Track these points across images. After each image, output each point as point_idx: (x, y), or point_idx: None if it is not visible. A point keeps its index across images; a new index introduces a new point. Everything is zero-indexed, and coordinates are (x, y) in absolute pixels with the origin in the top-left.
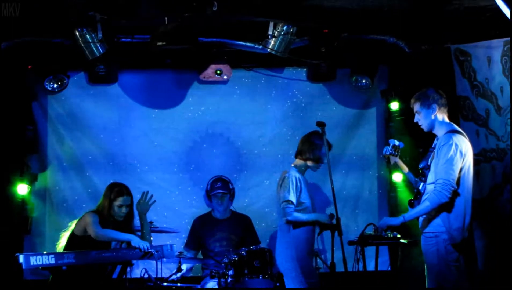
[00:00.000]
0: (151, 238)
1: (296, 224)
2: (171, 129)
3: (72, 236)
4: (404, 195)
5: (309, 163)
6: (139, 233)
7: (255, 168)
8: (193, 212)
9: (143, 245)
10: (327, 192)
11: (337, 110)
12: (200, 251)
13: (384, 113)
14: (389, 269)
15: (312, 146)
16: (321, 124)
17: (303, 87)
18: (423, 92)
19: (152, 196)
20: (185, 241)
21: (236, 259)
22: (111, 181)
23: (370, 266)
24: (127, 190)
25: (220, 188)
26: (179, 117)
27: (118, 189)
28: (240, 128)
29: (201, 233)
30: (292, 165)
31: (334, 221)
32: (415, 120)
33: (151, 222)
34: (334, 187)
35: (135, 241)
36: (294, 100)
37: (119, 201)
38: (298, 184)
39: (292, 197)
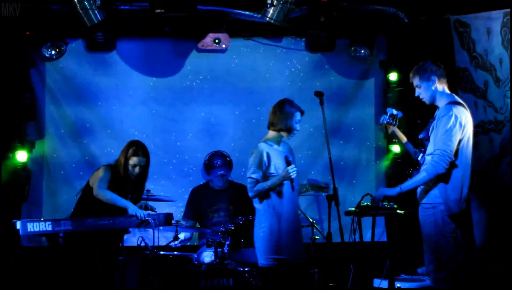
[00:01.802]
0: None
1: (261, 195)
2: (168, 98)
3: (87, 186)
4: (402, 166)
5: (282, 133)
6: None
7: (253, 136)
8: (190, 181)
9: (140, 213)
10: (324, 162)
11: (335, 80)
12: (198, 221)
13: (383, 84)
14: (386, 240)
15: (283, 116)
16: (319, 94)
17: (302, 57)
18: (420, 66)
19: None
20: (183, 211)
21: (232, 228)
22: (130, 140)
23: (367, 237)
24: (144, 151)
25: (220, 168)
26: (177, 86)
27: (134, 148)
28: (238, 97)
29: (199, 204)
30: (263, 139)
31: (331, 191)
32: (416, 94)
33: (148, 190)
34: (332, 157)
35: (132, 208)
36: (293, 69)
37: (133, 161)
38: (265, 159)
39: (253, 174)
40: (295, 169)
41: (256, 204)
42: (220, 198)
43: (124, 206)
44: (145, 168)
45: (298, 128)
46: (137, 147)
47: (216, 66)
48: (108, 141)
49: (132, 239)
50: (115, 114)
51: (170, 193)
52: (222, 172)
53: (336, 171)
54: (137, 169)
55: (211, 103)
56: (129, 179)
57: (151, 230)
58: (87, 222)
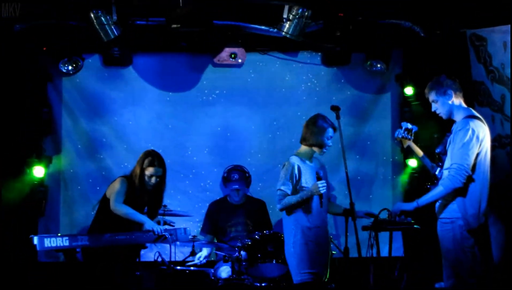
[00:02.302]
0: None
1: (288, 209)
2: (185, 112)
3: (104, 198)
4: (419, 180)
5: (314, 148)
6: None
7: (269, 151)
8: (206, 196)
9: (157, 228)
10: (341, 177)
11: (351, 94)
12: (215, 236)
13: (399, 98)
14: (403, 255)
15: (315, 131)
16: (335, 108)
17: (318, 72)
18: (436, 80)
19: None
20: (201, 226)
21: (249, 243)
22: (146, 149)
23: (384, 252)
24: (160, 161)
25: (236, 182)
26: (193, 101)
27: (150, 159)
28: (255, 111)
29: (216, 218)
30: (295, 153)
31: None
32: (432, 110)
33: (164, 205)
34: (348, 172)
35: (149, 223)
36: (309, 84)
37: (149, 171)
38: (295, 172)
39: (283, 186)
40: (325, 184)
41: (285, 219)
42: (237, 213)
43: (141, 221)
44: (161, 178)
45: (330, 144)
46: (153, 157)
47: (232, 80)
48: (125, 156)
49: (149, 254)
50: (131, 128)
51: (186, 208)
52: (237, 186)
53: (352, 186)
54: (153, 180)
55: (227, 118)
56: (145, 190)
57: (168, 245)
58: (104, 237)
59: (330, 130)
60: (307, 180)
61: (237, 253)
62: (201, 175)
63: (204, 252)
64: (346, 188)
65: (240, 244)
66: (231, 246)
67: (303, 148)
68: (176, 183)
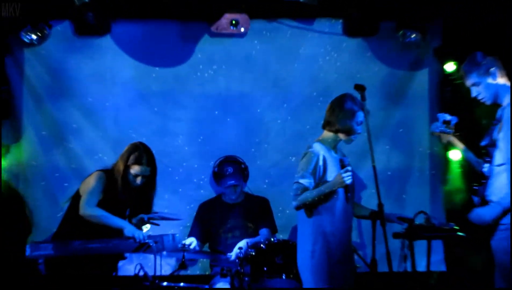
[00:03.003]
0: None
1: (307, 206)
2: (175, 92)
3: (76, 196)
4: (463, 176)
5: (340, 135)
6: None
7: (278, 141)
8: (200, 195)
9: (139, 234)
10: (367, 172)
11: (380, 71)
12: (208, 244)
13: (438, 75)
14: (444, 269)
15: (342, 114)
16: (359, 88)
17: (338, 43)
18: (472, 60)
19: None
20: (190, 228)
21: (253, 253)
22: (132, 143)
23: (421, 265)
24: (149, 158)
25: (232, 177)
26: (185, 78)
27: (137, 155)
28: (261, 92)
29: (208, 221)
30: (317, 139)
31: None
32: (473, 95)
33: (154, 213)
34: (376, 166)
35: (129, 229)
36: (327, 58)
37: (135, 170)
38: (320, 164)
39: (302, 179)
40: (350, 174)
41: (302, 223)
42: (234, 214)
43: (118, 226)
44: (150, 179)
45: (360, 131)
46: (140, 153)
47: (233, 53)
48: (100, 145)
49: (129, 267)
50: (109, 111)
51: (175, 210)
52: (233, 182)
53: (381, 183)
54: (139, 180)
55: (226, 99)
56: (128, 190)
57: (152, 256)
58: (73, 245)
59: (361, 114)
60: (333, 173)
61: (237, 266)
62: (194, 170)
63: (193, 242)
64: (373, 185)
65: (241, 255)
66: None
67: (327, 134)
68: (163, 179)
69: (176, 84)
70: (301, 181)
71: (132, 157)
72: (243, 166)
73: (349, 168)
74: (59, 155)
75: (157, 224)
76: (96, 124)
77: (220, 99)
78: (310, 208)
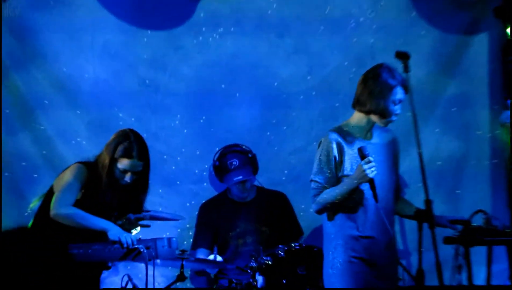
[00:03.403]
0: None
1: (329, 209)
2: (171, 60)
3: (50, 193)
4: None
5: (373, 117)
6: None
7: (300, 122)
8: (203, 189)
9: (126, 238)
10: (411, 161)
11: (427, 35)
12: (215, 251)
13: (500, 41)
14: (508, 282)
15: (375, 91)
16: (402, 56)
17: (375, 0)
18: None
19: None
20: (193, 237)
21: (269, 262)
22: (120, 130)
23: (479, 278)
24: (141, 150)
25: (238, 171)
26: (184, 43)
27: (126, 146)
28: (277, 61)
29: (213, 225)
30: (344, 122)
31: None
32: None
33: (146, 211)
34: (423, 154)
35: (114, 231)
36: (361, 19)
37: (123, 164)
38: (334, 153)
39: (316, 176)
40: (373, 165)
41: (325, 225)
42: (245, 215)
43: (100, 228)
44: (141, 175)
45: (398, 112)
46: (130, 144)
47: (244, 11)
48: (78, 128)
49: (114, 278)
50: (88, 85)
51: (172, 208)
52: (241, 177)
53: (429, 175)
54: (128, 177)
55: (235, 69)
56: (115, 188)
57: (143, 265)
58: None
59: (399, 90)
60: (353, 166)
61: (249, 278)
62: (195, 157)
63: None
64: (419, 178)
65: (254, 264)
66: (240, 267)
67: (356, 116)
68: (156, 169)
69: (173, 52)
70: (316, 178)
71: (120, 148)
72: (250, 155)
73: (371, 158)
74: (27, 139)
75: (148, 226)
76: (72, 101)
77: (227, 69)
78: (331, 209)
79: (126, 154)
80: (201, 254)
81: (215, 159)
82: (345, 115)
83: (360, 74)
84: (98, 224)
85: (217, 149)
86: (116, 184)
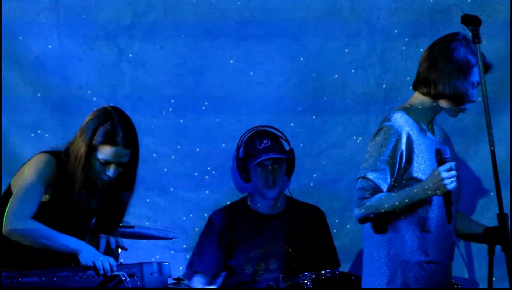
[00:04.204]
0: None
1: (373, 220)
2: (163, 26)
3: (8, 194)
4: None
5: (442, 102)
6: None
7: (335, 109)
8: (205, 198)
9: (103, 262)
10: (480, 160)
11: None
12: (221, 277)
13: None
14: None
15: (448, 68)
16: (471, 22)
17: None
18: None
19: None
20: (191, 256)
21: None
22: (100, 108)
23: None
24: (128, 135)
25: (269, 149)
26: (182, 3)
27: (108, 129)
28: (306, 25)
29: (226, 239)
30: (402, 106)
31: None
32: None
33: (131, 226)
34: (496, 153)
35: (87, 253)
36: None
37: (104, 153)
38: (403, 147)
39: (372, 173)
40: (454, 174)
41: (368, 243)
42: (271, 233)
43: (70, 249)
44: (129, 168)
45: (475, 98)
46: (114, 127)
47: None
48: (39, 114)
49: None
50: (52, 59)
51: (164, 223)
52: (272, 154)
53: (503, 177)
54: (111, 170)
55: (246, 37)
56: (92, 187)
57: None
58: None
59: (477, 69)
60: (424, 166)
61: None
62: (195, 155)
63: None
64: (490, 184)
65: None
66: None
67: (420, 99)
68: (143, 171)
69: (163, 14)
70: (370, 176)
71: (100, 132)
72: (287, 147)
73: (452, 164)
74: None
75: (124, 248)
76: (31, 80)
77: (238, 36)
78: (382, 221)
79: (108, 140)
80: (198, 282)
81: (241, 142)
82: (395, 100)
83: (415, 47)
84: (67, 244)
85: (242, 135)
86: (95, 181)
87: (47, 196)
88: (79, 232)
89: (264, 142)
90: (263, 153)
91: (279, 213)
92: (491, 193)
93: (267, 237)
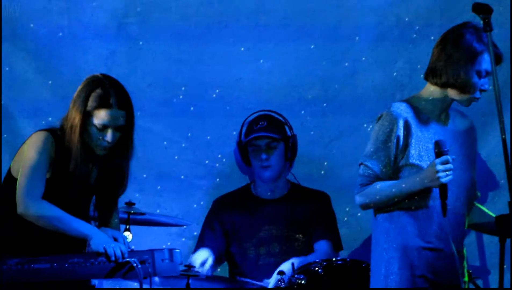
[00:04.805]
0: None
1: (373, 207)
2: (173, 13)
3: (10, 179)
4: None
5: (450, 92)
6: None
7: (343, 98)
8: (215, 186)
9: (114, 248)
10: (491, 150)
11: None
12: (227, 263)
13: None
14: None
15: (456, 58)
16: (481, 10)
17: None
18: None
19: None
20: (196, 243)
21: (303, 282)
22: (90, 76)
23: None
24: (121, 97)
25: (263, 129)
26: None
27: (101, 94)
28: (316, 14)
29: (227, 224)
30: (412, 96)
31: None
32: None
33: (130, 204)
34: (508, 139)
35: (98, 239)
36: None
37: (100, 117)
38: (400, 133)
39: (370, 160)
40: (450, 167)
41: (374, 228)
42: (272, 217)
43: (83, 234)
44: (125, 132)
45: (485, 87)
46: (106, 90)
47: None
48: (50, 103)
49: None
50: (63, 46)
51: (175, 210)
52: (265, 132)
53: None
54: (109, 135)
55: (257, 26)
56: (92, 156)
57: (136, 284)
58: (8, 265)
59: (486, 57)
60: (422, 153)
61: None
62: (206, 142)
63: (208, 259)
64: (502, 172)
65: (283, 284)
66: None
67: (430, 90)
68: (155, 159)
69: None
70: (368, 162)
71: (93, 98)
72: (288, 130)
73: (449, 157)
74: None
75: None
76: (43, 66)
77: (253, 22)
78: (383, 209)
79: (102, 103)
80: (199, 257)
81: (242, 129)
82: (405, 88)
83: (426, 34)
84: (79, 229)
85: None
86: (93, 151)
87: (49, 173)
88: (81, 208)
89: (260, 123)
90: (256, 132)
91: (280, 197)
92: (502, 181)
93: (268, 221)
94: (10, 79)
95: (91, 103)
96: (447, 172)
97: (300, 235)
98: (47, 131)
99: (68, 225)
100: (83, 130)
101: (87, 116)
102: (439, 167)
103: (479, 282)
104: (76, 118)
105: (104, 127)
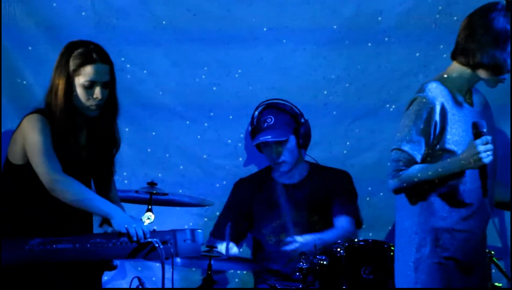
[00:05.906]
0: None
1: (412, 191)
2: None
3: (9, 166)
4: None
5: (481, 72)
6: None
7: (367, 78)
8: (237, 165)
9: (136, 228)
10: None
11: None
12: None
13: None
14: None
15: (487, 39)
16: None
17: None
18: None
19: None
20: (215, 223)
21: (324, 263)
22: (68, 42)
23: None
24: (102, 52)
25: (270, 130)
26: None
27: (83, 51)
28: None
29: (248, 208)
30: (438, 76)
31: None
32: None
33: (153, 184)
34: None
35: (120, 219)
36: None
37: (86, 74)
38: (436, 118)
39: (407, 145)
40: (491, 147)
41: (402, 213)
42: (292, 201)
43: (104, 213)
44: (111, 89)
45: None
46: (87, 47)
47: None
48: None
49: (121, 281)
50: (86, 27)
51: (197, 190)
52: (269, 137)
53: None
54: (98, 92)
55: (280, 5)
56: (82, 119)
57: (158, 265)
58: (30, 246)
59: None
60: (457, 137)
61: (300, 283)
62: (228, 124)
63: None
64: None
65: (304, 265)
66: (284, 270)
67: (458, 68)
68: (176, 139)
69: None
70: (405, 147)
71: (75, 56)
72: (299, 116)
73: (489, 137)
74: (4, 98)
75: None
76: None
77: (270, 0)
78: (415, 192)
79: (86, 60)
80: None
81: (253, 116)
82: (429, 68)
83: (448, 14)
84: (102, 207)
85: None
86: (84, 113)
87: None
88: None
89: (268, 120)
90: (262, 135)
91: (299, 181)
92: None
93: (289, 207)
94: (33, 58)
95: (74, 62)
96: (488, 152)
97: (322, 216)
98: (36, 113)
99: (91, 203)
100: (70, 95)
101: (71, 78)
102: (481, 147)
103: (501, 263)
104: (60, 81)
105: (91, 84)
